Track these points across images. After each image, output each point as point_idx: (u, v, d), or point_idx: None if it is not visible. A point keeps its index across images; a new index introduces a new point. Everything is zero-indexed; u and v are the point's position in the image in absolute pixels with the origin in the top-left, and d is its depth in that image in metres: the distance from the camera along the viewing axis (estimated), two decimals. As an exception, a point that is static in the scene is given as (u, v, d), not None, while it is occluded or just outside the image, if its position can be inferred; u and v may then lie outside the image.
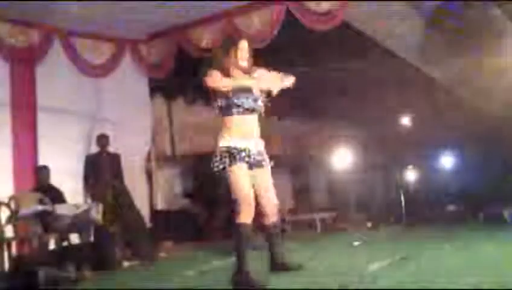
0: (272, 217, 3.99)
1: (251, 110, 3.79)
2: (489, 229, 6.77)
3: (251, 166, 3.80)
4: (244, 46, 3.86)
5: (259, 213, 3.87)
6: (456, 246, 5.26)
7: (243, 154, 3.74)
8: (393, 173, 9.13)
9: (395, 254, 4.78)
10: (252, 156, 3.80)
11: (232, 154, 3.71)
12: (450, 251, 5.05)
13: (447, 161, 9.28)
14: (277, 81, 3.76)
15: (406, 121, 9.17)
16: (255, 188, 3.80)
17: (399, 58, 7.75)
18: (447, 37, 6.72)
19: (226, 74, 3.79)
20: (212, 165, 3.78)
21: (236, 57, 3.82)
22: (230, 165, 3.70)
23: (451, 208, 8.22)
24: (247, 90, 3.77)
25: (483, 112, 8.68)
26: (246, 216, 3.69)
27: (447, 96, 8.72)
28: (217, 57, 3.89)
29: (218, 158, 3.75)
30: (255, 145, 3.85)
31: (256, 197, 3.78)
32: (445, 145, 9.21)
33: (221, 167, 3.74)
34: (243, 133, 3.76)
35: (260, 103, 3.82)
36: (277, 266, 4.08)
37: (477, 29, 6.20)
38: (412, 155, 9.19)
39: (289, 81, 3.78)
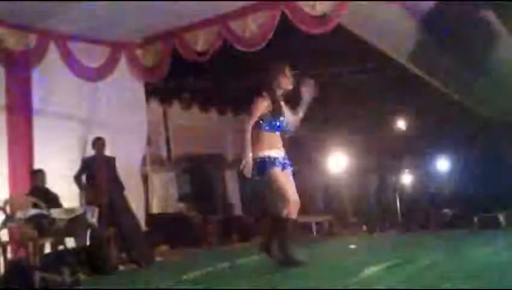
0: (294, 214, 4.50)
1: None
2: (484, 233, 6.80)
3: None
4: (290, 72, 4.56)
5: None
6: (451, 250, 5.27)
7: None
8: (389, 177, 9.16)
9: (391, 258, 4.79)
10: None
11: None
12: (443, 254, 5.06)
13: (442, 166, 9.31)
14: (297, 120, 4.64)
15: (402, 125, 9.20)
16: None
17: (396, 63, 7.78)
18: (441, 40, 6.75)
19: (273, 97, 4.49)
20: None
21: (285, 84, 4.53)
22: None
23: (446, 211, 8.25)
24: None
25: (479, 116, 8.73)
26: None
27: (443, 101, 8.76)
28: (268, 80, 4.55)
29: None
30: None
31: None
32: (441, 149, 9.24)
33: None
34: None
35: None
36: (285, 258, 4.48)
37: (472, 32, 6.24)
38: (407, 160, 9.22)
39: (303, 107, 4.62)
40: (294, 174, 4.65)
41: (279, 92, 4.55)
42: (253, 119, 4.43)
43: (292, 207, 4.42)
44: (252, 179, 4.46)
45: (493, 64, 6.91)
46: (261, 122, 4.45)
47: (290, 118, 4.59)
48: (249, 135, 4.40)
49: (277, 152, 4.48)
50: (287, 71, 4.55)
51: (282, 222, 4.43)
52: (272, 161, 4.40)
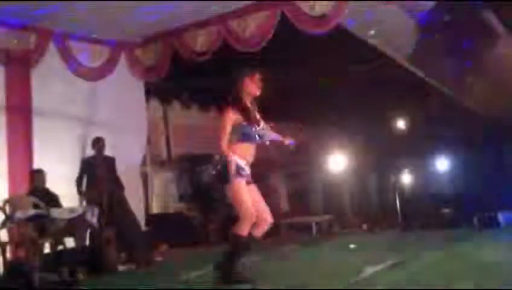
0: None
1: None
2: (484, 233, 6.80)
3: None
4: (259, 77, 4.27)
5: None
6: (451, 249, 5.28)
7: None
8: (388, 177, 9.15)
9: (391, 257, 4.79)
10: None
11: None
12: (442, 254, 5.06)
13: (442, 165, 9.31)
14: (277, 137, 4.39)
15: (401, 124, 9.20)
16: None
17: (395, 62, 7.78)
18: (441, 41, 6.76)
19: (243, 105, 4.21)
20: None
21: (253, 88, 4.25)
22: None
23: (446, 211, 8.25)
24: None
25: (479, 116, 8.73)
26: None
27: (443, 101, 8.76)
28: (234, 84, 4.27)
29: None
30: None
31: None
32: (440, 149, 9.24)
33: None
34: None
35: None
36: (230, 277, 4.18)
37: (471, 33, 6.24)
38: (407, 159, 9.22)
39: (288, 142, 4.41)
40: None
41: (247, 99, 4.25)
42: (225, 134, 4.14)
43: (259, 227, 4.12)
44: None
45: (492, 65, 6.91)
46: (234, 133, 4.16)
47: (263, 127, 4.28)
48: (223, 145, 4.13)
49: (246, 164, 4.18)
50: (255, 76, 4.25)
51: (234, 238, 4.09)
52: (238, 170, 4.08)
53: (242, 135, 4.16)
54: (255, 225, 4.10)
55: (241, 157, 4.14)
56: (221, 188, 4.20)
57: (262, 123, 4.28)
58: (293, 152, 4.68)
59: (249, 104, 4.25)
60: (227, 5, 6.67)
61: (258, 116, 4.28)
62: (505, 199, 7.68)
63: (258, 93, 4.26)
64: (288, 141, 4.42)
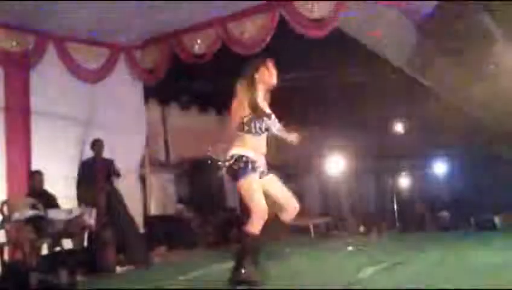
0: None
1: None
2: (480, 235, 6.82)
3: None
4: (273, 66, 4.12)
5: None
6: (448, 252, 5.29)
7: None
8: (386, 180, 9.17)
9: (388, 259, 4.81)
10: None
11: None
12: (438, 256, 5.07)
13: (439, 168, 9.33)
14: (283, 133, 4.21)
15: (399, 128, 9.22)
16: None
17: (393, 66, 7.80)
18: (438, 44, 6.77)
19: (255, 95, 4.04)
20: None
21: (267, 77, 4.08)
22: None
23: (443, 214, 8.26)
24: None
25: (476, 119, 8.75)
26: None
27: (440, 104, 8.78)
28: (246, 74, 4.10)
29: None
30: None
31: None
32: (437, 152, 9.26)
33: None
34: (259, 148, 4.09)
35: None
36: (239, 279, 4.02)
37: (468, 36, 6.26)
38: (405, 162, 9.24)
39: (292, 138, 4.21)
40: (289, 177, 4.40)
41: (262, 89, 4.10)
42: (235, 122, 3.99)
43: (286, 213, 4.05)
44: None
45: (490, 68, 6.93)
46: (244, 124, 3.98)
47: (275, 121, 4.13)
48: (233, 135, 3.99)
49: (258, 157, 4.03)
50: (270, 65, 4.11)
51: (246, 237, 3.92)
52: (251, 164, 3.93)
53: (255, 127, 3.99)
54: (283, 210, 4.04)
55: (254, 149, 4.00)
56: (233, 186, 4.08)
57: (273, 116, 4.13)
58: (293, 150, 4.56)
59: (262, 95, 4.11)
60: (226, 7, 6.68)
61: (268, 110, 4.12)
62: (501, 202, 7.70)
63: (274, 81, 4.11)
64: (291, 138, 4.23)
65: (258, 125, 4.00)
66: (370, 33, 6.84)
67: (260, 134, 4.03)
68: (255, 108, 3.98)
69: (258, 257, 4.05)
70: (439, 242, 6.32)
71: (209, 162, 4.27)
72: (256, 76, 4.06)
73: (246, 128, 3.98)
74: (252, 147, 4.00)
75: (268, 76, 4.08)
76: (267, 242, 4.12)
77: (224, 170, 4.05)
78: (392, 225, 8.40)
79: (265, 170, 4.08)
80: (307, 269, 4.90)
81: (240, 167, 3.92)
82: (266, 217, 3.90)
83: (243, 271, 3.87)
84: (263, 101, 4.12)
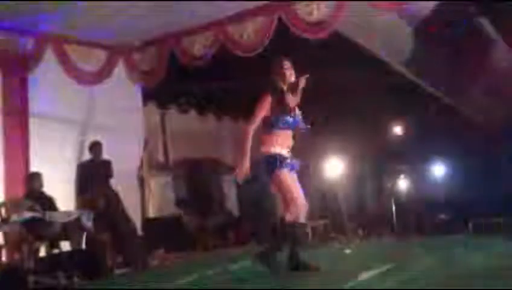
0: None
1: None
2: (478, 238, 6.82)
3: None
4: (289, 64, 4.44)
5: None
6: (446, 255, 5.29)
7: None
8: (385, 182, 9.18)
9: (386, 263, 4.80)
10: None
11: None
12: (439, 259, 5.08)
13: (437, 171, 9.34)
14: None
15: (397, 130, 9.23)
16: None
17: (391, 68, 7.81)
18: (437, 46, 6.79)
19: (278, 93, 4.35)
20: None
21: (285, 77, 4.39)
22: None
23: (441, 217, 8.27)
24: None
25: (475, 122, 8.76)
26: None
27: (439, 107, 8.80)
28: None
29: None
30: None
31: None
32: (436, 155, 9.27)
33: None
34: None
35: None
36: (297, 265, 4.37)
37: (466, 38, 6.28)
38: (403, 165, 9.24)
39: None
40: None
41: (283, 87, 4.38)
42: (255, 120, 4.26)
43: (299, 210, 4.30)
44: (250, 184, 4.49)
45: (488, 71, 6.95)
46: (272, 120, 4.27)
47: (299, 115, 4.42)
48: (248, 137, 4.20)
49: (287, 152, 4.32)
50: (285, 63, 4.42)
51: (289, 227, 4.24)
52: (281, 160, 4.22)
53: (282, 123, 4.27)
54: (290, 207, 4.25)
55: (282, 146, 4.28)
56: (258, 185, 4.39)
57: (297, 110, 4.40)
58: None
59: (285, 92, 4.35)
60: (225, 9, 6.69)
61: (295, 106, 4.37)
62: (500, 205, 7.71)
63: (292, 78, 4.38)
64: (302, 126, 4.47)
65: (286, 119, 4.27)
66: (369, 36, 6.86)
67: (289, 129, 4.31)
68: (285, 105, 4.25)
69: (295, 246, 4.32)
70: (437, 245, 6.32)
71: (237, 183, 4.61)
72: (277, 77, 4.37)
73: (274, 124, 4.25)
74: (282, 143, 4.28)
75: (285, 75, 4.38)
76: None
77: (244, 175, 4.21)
78: (390, 227, 8.39)
79: (294, 166, 4.34)
80: (304, 271, 4.88)
81: (271, 164, 4.19)
82: (302, 207, 4.26)
83: (273, 254, 4.20)
84: (289, 98, 4.34)
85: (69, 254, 5.95)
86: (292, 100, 4.35)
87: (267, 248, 4.28)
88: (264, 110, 4.26)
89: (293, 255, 4.31)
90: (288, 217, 4.22)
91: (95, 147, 7.07)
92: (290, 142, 4.36)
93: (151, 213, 9.22)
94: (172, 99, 9.76)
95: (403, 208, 8.51)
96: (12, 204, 6.07)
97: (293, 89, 4.38)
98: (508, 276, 4.01)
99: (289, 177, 4.27)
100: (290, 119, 4.31)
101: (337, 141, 9.08)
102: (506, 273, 4.12)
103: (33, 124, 6.87)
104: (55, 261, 5.72)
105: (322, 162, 9.20)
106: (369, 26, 6.65)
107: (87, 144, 7.20)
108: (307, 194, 4.43)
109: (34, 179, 6.37)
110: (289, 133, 4.35)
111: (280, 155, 4.24)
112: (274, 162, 4.22)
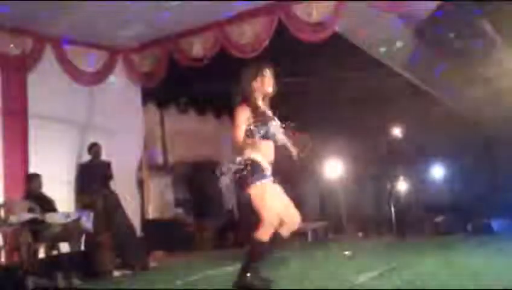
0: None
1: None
2: (478, 240, 6.82)
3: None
4: (270, 73, 4.06)
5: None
6: (445, 256, 5.29)
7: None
8: (384, 184, 9.16)
9: (386, 264, 4.80)
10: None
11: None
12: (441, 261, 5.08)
13: (437, 173, 9.34)
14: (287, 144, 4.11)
15: (397, 132, 9.22)
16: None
17: (391, 70, 7.81)
18: (437, 48, 6.78)
19: (254, 102, 4.00)
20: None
21: (264, 85, 4.03)
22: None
23: (440, 218, 8.26)
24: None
25: (474, 124, 8.76)
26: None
27: (438, 109, 8.79)
28: (244, 83, 4.05)
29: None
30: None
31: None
32: (435, 157, 9.28)
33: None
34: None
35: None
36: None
37: (467, 40, 6.27)
38: (403, 167, 9.23)
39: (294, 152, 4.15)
40: (286, 181, 4.32)
41: (258, 97, 4.03)
42: (240, 130, 3.89)
43: (286, 227, 3.96)
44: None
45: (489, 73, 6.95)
46: (256, 132, 3.89)
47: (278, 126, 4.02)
48: (240, 141, 3.88)
49: (268, 164, 3.96)
50: (266, 72, 4.04)
51: (255, 244, 3.85)
52: (263, 170, 3.88)
53: (264, 133, 3.90)
54: (283, 223, 3.93)
55: (265, 156, 3.91)
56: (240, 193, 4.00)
57: (276, 120, 4.03)
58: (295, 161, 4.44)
59: (260, 103, 4.03)
60: (224, 10, 6.69)
61: (271, 114, 4.05)
62: (499, 206, 7.72)
63: (269, 90, 4.05)
64: (295, 154, 4.17)
65: (263, 130, 3.91)
66: (368, 37, 6.86)
67: (267, 140, 3.94)
68: (259, 112, 3.93)
69: (263, 264, 3.97)
70: (436, 247, 6.32)
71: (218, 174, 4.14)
72: (254, 84, 4.01)
73: (253, 134, 3.88)
74: (265, 154, 3.93)
75: (264, 84, 4.03)
76: (274, 250, 4.07)
77: (228, 179, 3.98)
78: (390, 229, 8.39)
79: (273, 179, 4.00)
80: (305, 273, 4.88)
81: (250, 172, 3.83)
82: (276, 224, 3.86)
83: (248, 276, 3.81)
84: (263, 106, 4.05)
85: (68, 255, 5.94)
86: (267, 110, 4.05)
87: (243, 268, 3.87)
88: (244, 121, 3.91)
89: (245, 272, 3.86)
90: (259, 235, 3.82)
91: (94, 148, 7.06)
92: (272, 154, 4.01)
93: (151, 214, 9.22)
94: (172, 100, 9.75)
95: (402, 210, 8.50)
96: (11, 205, 6.05)
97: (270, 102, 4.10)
98: (508, 276, 4.01)
99: (272, 188, 3.94)
100: (266, 131, 3.93)
101: (336, 143, 9.07)
102: (506, 273, 4.12)
103: (32, 125, 6.85)
104: (54, 263, 5.71)
105: (322, 163, 9.20)
106: (368, 26, 6.64)
107: (86, 145, 7.19)
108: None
109: (33, 180, 6.36)
110: (271, 144, 3.99)
111: (261, 163, 3.88)
112: (255, 170, 3.85)
